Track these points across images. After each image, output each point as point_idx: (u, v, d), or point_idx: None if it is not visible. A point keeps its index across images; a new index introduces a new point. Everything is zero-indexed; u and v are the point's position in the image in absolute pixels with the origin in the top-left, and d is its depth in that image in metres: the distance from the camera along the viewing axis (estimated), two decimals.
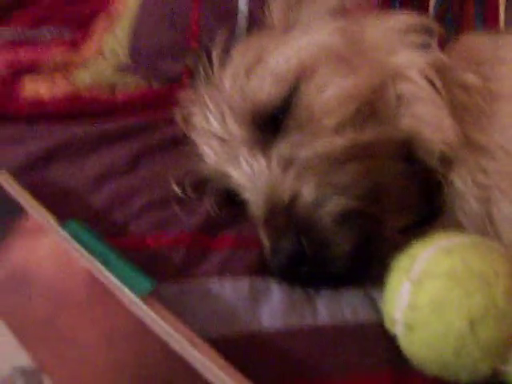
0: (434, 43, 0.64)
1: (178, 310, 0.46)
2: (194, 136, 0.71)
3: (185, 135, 0.74)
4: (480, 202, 0.59)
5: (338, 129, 0.58)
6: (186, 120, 0.76)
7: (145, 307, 0.43)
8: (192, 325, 0.45)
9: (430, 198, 0.60)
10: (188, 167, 0.68)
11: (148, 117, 0.80)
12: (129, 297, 0.43)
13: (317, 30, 0.66)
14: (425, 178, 0.60)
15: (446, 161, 0.60)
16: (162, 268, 0.54)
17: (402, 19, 0.65)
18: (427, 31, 0.65)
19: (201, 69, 0.77)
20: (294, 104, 0.61)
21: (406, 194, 0.59)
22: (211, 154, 0.67)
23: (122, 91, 0.87)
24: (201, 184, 0.67)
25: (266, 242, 0.56)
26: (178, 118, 0.77)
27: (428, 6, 0.89)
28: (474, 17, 0.89)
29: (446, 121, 0.58)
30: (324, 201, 0.53)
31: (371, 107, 0.60)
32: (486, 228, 0.58)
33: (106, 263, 0.44)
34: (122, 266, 0.45)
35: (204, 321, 0.49)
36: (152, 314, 0.43)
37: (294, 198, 0.54)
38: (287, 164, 0.57)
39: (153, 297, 0.45)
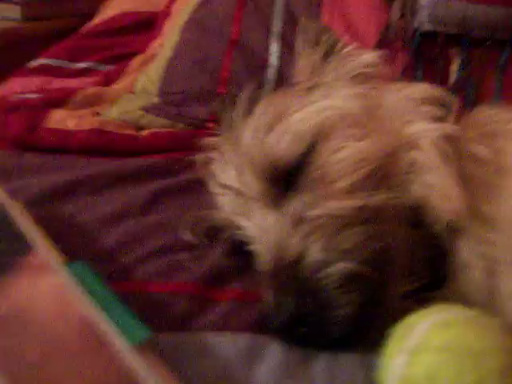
0: (449, 115, 0.65)
1: (173, 363, 0.46)
2: (210, 183, 0.72)
3: (203, 181, 0.76)
4: (485, 275, 0.57)
5: (350, 191, 0.59)
6: (206, 166, 0.78)
7: (137, 357, 0.42)
8: (186, 380, 0.44)
9: (434, 265, 0.60)
10: (202, 214, 0.69)
11: (169, 159, 0.82)
12: (122, 345, 0.42)
13: (338, 94, 0.67)
14: (431, 246, 0.60)
15: (453, 230, 0.59)
16: (161, 317, 0.54)
17: (419, 90, 0.67)
18: (443, 103, 0.66)
19: (225, 117, 0.79)
20: (308, 163, 0.62)
21: (411, 260, 0.58)
22: (226, 203, 0.67)
23: (146, 130, 0.90)
24: (212, 231, 0.67)
25: (268, 298, 0.55)
26: (199, 163, 0.79)
27: (449, 74, 0.91)
28: (493, 91, 0.89)
29: (455, 191, 0.58)
30: (329, 263, 0.53)
31: (383, 172, 0.60)
32: (490, 302, 0.57)
33: (104, 308, 0.44)
34: (120, 312, 0.45)
35: (198, 376, 0.48)
36: (143, 364, 0.42)
37: (301, 257, 0.54)
38: (298, 222, 0.58)
39: (147, 346, 0.44)
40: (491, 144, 0.62)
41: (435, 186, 0.59)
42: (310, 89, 0.71)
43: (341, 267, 0.53)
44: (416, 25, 0.89)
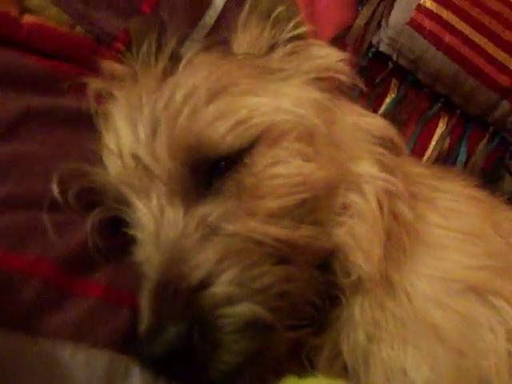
0: (397, 163, 0.60)
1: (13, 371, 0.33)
2: (104, 129, 0.56)
3: (92, 116, 0.58)
4: (366, 338, 0.56)
5: (277, 215, 0.51)
6: (100, 99, 0.60)
7: None
8: None
9: (326, 312, 0.56)
10: (80, 167, 0.52)
11: (54, 69, 0.61)
12: None
13: (294, 94, 0.57)
14: (329, 292, 0.56)
15: (358, 287, 0.56)
16: (7, 305, 0.39)
17: (378, 125, 0.61)
18: (393, 148, 0.61)
19: (144, 49, 0.63)
20: (242, 163, 0.51)
21: (309, 307, 0.53)
22: (117, 166, 0.53)
23: (32, 16, 0.67)
24: (88, 195, 0.52)
25: (145, 315, 0.45)
26: (91, 92, 0.60)
27: (381, 103, 0.88)
28: (409, 136, 0.90)
29: (377, 251, 0.55)
30: (235, 301, 0.45)
31: (315, 205, 0.54)
32: (362, 367, 0.56)
33: None
34: None
35: None
36: None
37: (206, 283, 0.44)
38: (209, 234, 0.47)
39: None
40: (415, 207, 0.59)
41: (361, 240, 0.54)
42: (261, 70, 0.59)
43: (245, 309, 0.45)
44: (374, 41, 0.83)
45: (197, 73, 0.55)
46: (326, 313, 0.56)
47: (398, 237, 0.57)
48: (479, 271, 0.56)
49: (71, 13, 0.70)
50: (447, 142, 0.92)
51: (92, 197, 0.52)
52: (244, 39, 0.63)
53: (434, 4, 0.80)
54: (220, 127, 0.51)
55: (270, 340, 0.48)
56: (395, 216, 0.58)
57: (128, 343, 0.45)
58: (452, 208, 0.61)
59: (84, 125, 0.58)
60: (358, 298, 0.56)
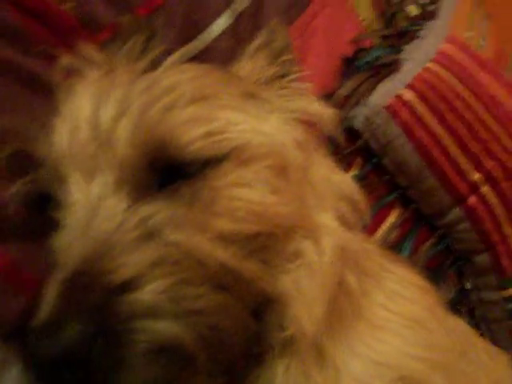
0: (358, 225, 0.59)
1: None
2: (63, 101, 0.50)
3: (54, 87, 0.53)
4: None
5: (227, 239, 0.46)
6: (67, 74, 0.55)
7: None
8: None
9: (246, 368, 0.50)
10: (27, 128, 0.46)
11: (32, 32, 0.56)
12: None
13: (275, 123, 0.55)
14: (256, 345, 0.50)
15: (287, 346, 0.51)
16: None
17: (346, 183, 0.60)
18: (357, 209, 0.59)
19: (128, 46, 0.60)
20: (204, 174, 0.47)
21: (234, 352, 0.47)
22: (67, 139, 0.47)
23: None
24: (21, 159, 0.45)
25: (45, 306, 0.37)
26: (60, 65, 0.55)
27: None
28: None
29: (319, 311, 0.51)
30: (159, 316, 0.38)
31: (269, 242, 0.50)
32: None
33: None
34: None
35: None
36: None
37: (130, 287, 0.38)
38: (148, 236, 0.42)
39: None
40: (362, 281, 0.57)
41: (306, 295, 0.50)
42: (249, 95, 0.57)
43: (169, 328, 0.38)
44: (350, 114, 0.84)
45: (183, 73, 0.52)
46: (246, 370, 0.50)
47: (341, 306, 0.54)
48: (416, 362, 0.52)
49: None
50: (395, 233, 0.92)
51: (27, 163, 0.45)
52: (246, 65, 0.62)
53: (414, 98, 0.83)
54: (192, 130, 0.47)
55: (184, 376, 0.40)
56: (342, 284, 0.54)
57: (15, 336, 0.36)
58: (398, 292, 0.59)
59: (41, 92, 0.52)
60: (284, 359, 0.50)
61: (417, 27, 0.97)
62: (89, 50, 0.61)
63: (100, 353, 0.35)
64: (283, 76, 0.63)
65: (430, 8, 1.03)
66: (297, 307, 0.49)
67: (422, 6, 1.05)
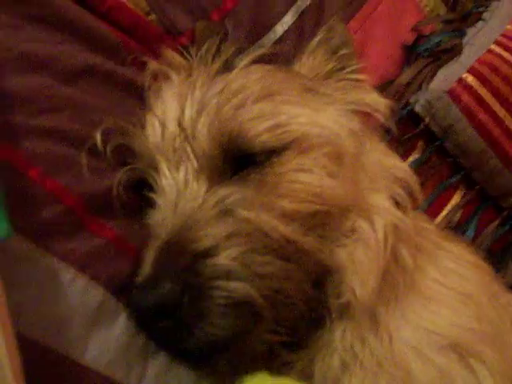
0: (409, 205, 0.63)
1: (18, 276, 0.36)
2: (153, 102, 0.61)
3: (146, 91, 0.63)
4: (340, 366, 0.57)
5: (290, 216, 0.53)
6: (156, 80, 0.65)
7: None
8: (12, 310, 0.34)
9: (307, 330, 0.57)
10: (125, 126, 0.57)
11: (123, 41, 0.67)
12: None
13: (333, 115, 0.61)
14: (317, 311, 0.57)
15: (344, 312, 0.57)
16: (28, 217, 0.42)
17: (400, 168, 0.64)
18: (410, 192, 0.64)
19: (204, 49, 0.68)
20: (270, 162, 0.55)
21: (297, 314, 0.54)
22: (159, 135, 0.57)
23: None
24: (125, 153, 0.56)
25: (145, 268, 0.47)
26: (149, 70, 0.66)
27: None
28: (423, 200, 0.92)
29: (372, 280, 0.56)
30: (234, 278, 0.47)
31: (326, 220, 0.56)
32: None
33: None
34: None
35: (30, 314, 0.38)
36: None
37: (210, 253, 0.47)
38: (224, 213, 0.50)
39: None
40: (417, 258, 0.61)
41: (360, 266, 0.56)
42: (309, 90, 0.64)
43: (241, 287, 0.47)
44: (412, 99, 0.88)
45: (251, 75, 0.60)
46: (308, 331, 0.57)
47: (395, 279, 0.59)
48: (465, 332, 0.57)
49: (150, 2, 0.77)
50: (459, 214, 0.95)
51: (127, 155, 0.56)
52: (307, 62, 0.69)
53: (475, 81, 0.85)
54: (260, 125, 0.55)
55: (254, 327, 0.49)
56: (396, 259, 0.59)
57: (123, 290, 0.47)
58: (452, 268, 0.63)
59: (136, 94, 0.63)
60: (341, 323, 0.57)
61: (481, 9, 0.98)
62: (172, 54, 0.71)
63: (187, 304, 0.45)
64: (341, 69, 0.69)
65: None
66: (352, 277, 0.56)
67: None
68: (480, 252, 0.80)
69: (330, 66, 0.68)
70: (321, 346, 0.56)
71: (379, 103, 0.65)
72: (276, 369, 0.55)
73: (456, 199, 0.94)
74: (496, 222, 0.96)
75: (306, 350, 0.57)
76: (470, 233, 0.96)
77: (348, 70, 0.69)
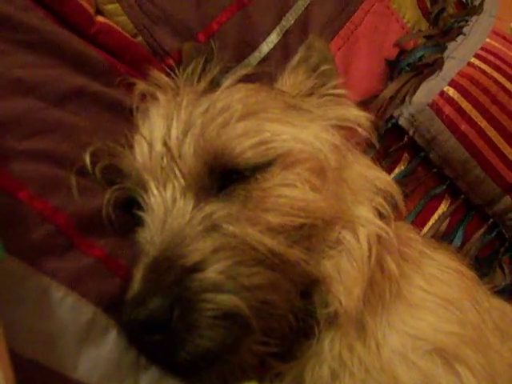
0: (392, 216, 0.64)
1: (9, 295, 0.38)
2: (141, 122, 0.63)
3: (133, 111, 0.65)
4: (329, 374, 0.58)
5: (275, 230, 0.55)
6: (143, 99, 0.67)
7: None
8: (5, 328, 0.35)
9: (297, 340, 0.58)
10: (113, 147, 0.58)
11: (112, 64, 0.69)
12: None
13: (315, 131, 0.63)
14: (305, 321, 0.58)
15: (331, 322, 0.58)
16: (20, 238, 0.43)
17: (383, 180, 0.66)
18: (393, 204, 0.66)
19: (190, 69, 0.70)
20: (255, 178, 0.57)
21: (284, 325, 0.56)
22: (146, 154, 0.58)
23: (103, 18, 0.75)
24: (112, 172, 0.58)
25: (135, 284, 0.48)
26: (137, 91, 0.68)
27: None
28: (409, 211, 0.94)
29: (357, 289, 0.58)
30: (221, 291, 0.49)
31: (311, 232, 0.58)
32: None
33: None
34: None
35: (22, 331, 0.39)
36: None
37: (197, 268, 0.49)
38: (211, 229, 0.52)
39: None
40: (402, 266, 0.63)
41: (345, 276, 0.58)
42: (292, 107, 0.66)
43: (228, 300, 0.49)
44: (396, 113, 0.90)
45: (235, 94, 0.62)
46: (297, 341, 0.58)
47: (380, 287, 0.61)
48: (449, 336, 0.58)
49: (137, 24, 0.79)
50: (445, 223, 0.96)
51: (116, 174, 0.58)
52: (288, 80, 0.72)
53: (457, 94, 0.88)
54: (244, 142, 0.57)
55: (242, 338, 0.51)
56: (381, 268, 0.61)
57: (113, 308, 0.48)
58: (435, 275, 0.65)
59: (124, 116, 0.64)
60: (330, 333, 0.58)
61: (462, 23, 1.01)
62: (159, 75, 0.72)
63: (177, 318, 0.46)
64: (322, 86, 0.71)
65: (476, 2, 1.06)
66: (337, 287, 0.57)
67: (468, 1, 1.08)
68: (467, 259, 0.82)
69: (311, 83, 0.71)
70: (310, 356, 0.58)
71: (360, 117, 0.68)
72: (268, 379, 0.56)
73: (443, 208, 0.96)
74: (482, 230, 0.98)
75: (297, 361, 0.58)
76: (457, 241, 0.97)
77: (328, 85, 0.72)
